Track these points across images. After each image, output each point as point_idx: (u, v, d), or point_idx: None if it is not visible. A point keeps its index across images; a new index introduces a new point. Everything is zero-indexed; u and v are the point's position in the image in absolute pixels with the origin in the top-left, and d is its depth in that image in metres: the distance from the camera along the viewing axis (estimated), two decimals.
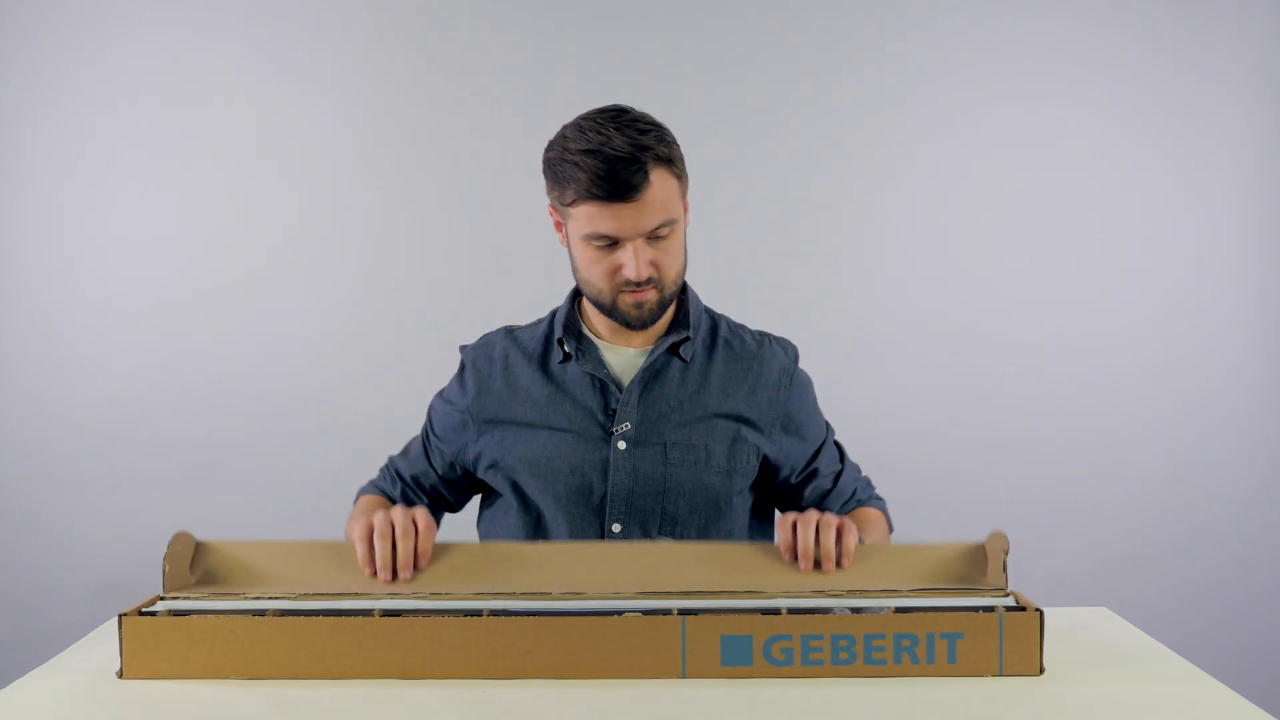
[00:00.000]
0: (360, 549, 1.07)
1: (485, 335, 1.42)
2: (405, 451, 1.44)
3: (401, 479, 1.41)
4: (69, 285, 2.38)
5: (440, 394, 1.42)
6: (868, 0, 2.39)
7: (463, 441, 1.36)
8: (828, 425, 1.42)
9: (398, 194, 2.39)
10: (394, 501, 1.41)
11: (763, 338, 1.40)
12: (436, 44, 2.38)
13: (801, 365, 1.40)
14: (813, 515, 1.10)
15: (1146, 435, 2.42)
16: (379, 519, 1.08)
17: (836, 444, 1.42)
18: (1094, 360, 2.41)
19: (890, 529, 1.40)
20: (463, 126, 2.38)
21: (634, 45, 2.38)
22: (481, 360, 1.37)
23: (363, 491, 1.45)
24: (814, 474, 1.37)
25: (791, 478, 1.36)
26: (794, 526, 1.10)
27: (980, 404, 2.41)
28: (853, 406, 2.32)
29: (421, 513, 1.09)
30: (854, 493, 1.39)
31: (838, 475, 1.38)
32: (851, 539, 1.08)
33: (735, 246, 2.38)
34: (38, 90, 2.36)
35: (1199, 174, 2.40)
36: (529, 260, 2.31)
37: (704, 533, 1.31)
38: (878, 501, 1.41)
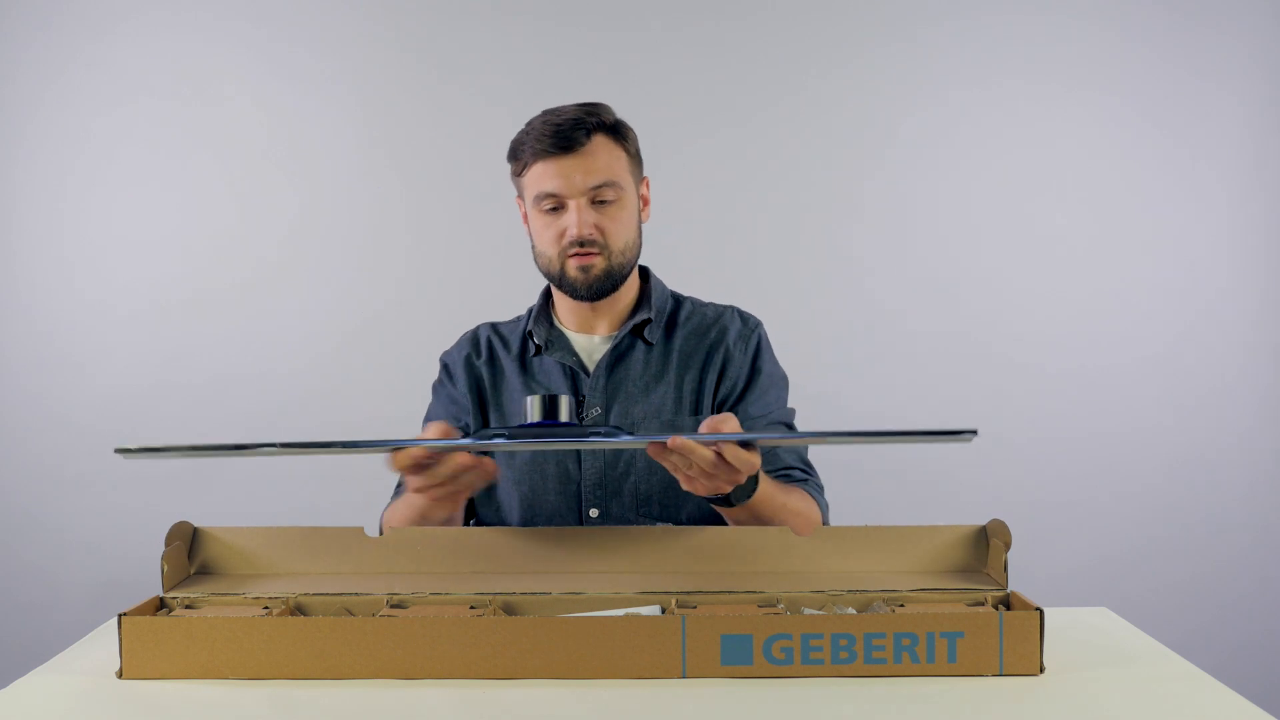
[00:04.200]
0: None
1: (467, 331, 1.47)
2: None
3: None
4: (69, 285, 2.38)
5: (431, 401, 1.44)
6: (868, 1, 2.39)
7: (468, 418, 1.39)
8: (785, 403, 1.40)
9: (398, 194, 2.39)
10: None
11: (724, 309, 1.42)
12: (436, 44, 2.38)
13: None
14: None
15: (1146, 435, 2.41)
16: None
17: (791, 428, 1.38)
18: (1094, 360, 2.41)
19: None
20: (463, 126, 2.38)
21: (635, 43, 2.38)
22: (469, 350, 1.42)
23: (390, 504, 1.37)
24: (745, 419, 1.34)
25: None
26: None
27: (980, 403, 2.40)
28: (852, 406, 2.33)
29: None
30: (785, 467, 1.33)
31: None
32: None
33: (734, 244, 2.38)
34: (38, 90, 2.36)
35: (1200, 173, 2.40)
36: (529, 260, 2.31)
37: (671, 507, 1.31)
38: (817, 494, 1.33)
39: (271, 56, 2.37)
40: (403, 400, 2.32)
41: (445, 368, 1.45)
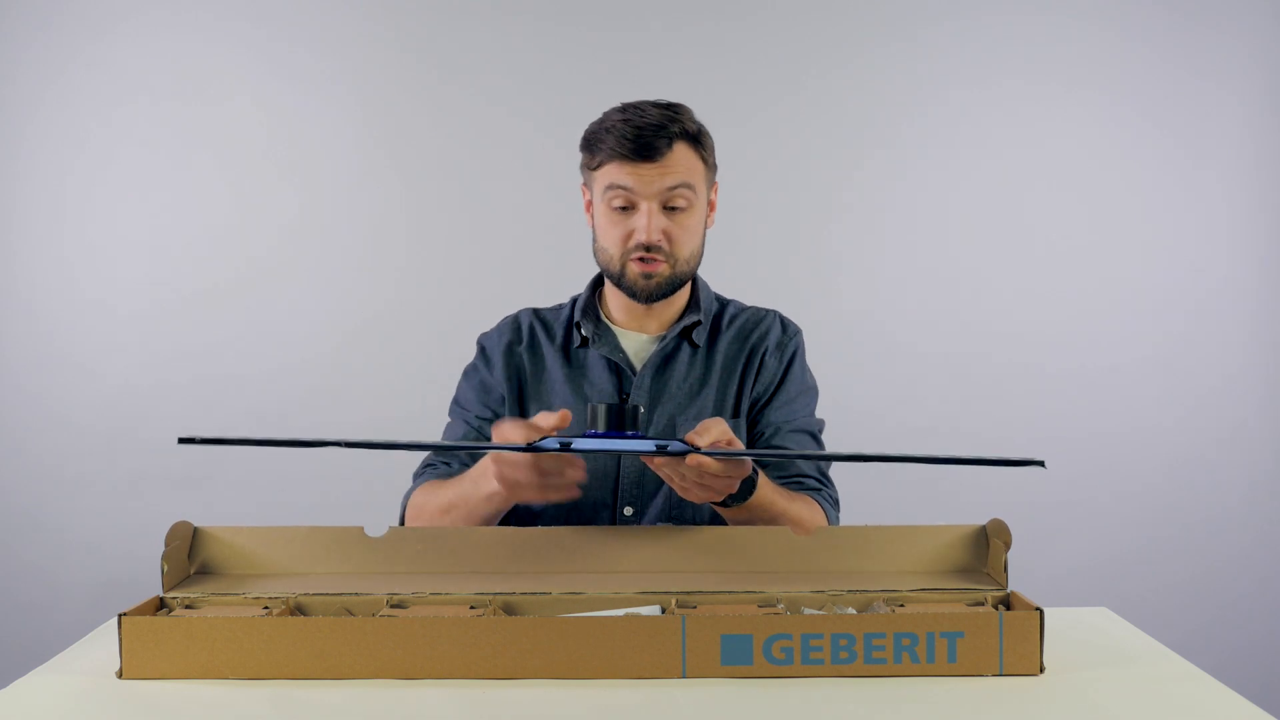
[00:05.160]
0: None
1: (509, 315, 1.44)
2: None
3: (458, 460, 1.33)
4: (70, 285, 2.38)
5: (461, 385, 1.41)
6: (868, 1, 2.39)
7: (501, 407, 1.37)
8: (813, 413, 1.40)
9: (398, 193, 2.40)
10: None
11: (765, 313, 1.42)
12: (436, 44, 2.38)
13: (807, 360, 1.41)
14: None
15: (1146, 435, 2.41)
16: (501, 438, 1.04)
17: (816, 439, 1.37)
18: (1094, 359, 2.41)
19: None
20: (463, 126, 2.38)
21: (635, 43, 2.38)
22: (510, 337, 1.40)
23: (416, 487, 1.32)
24: (764, 431, 1.34)
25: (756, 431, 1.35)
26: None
27: (980, 403, 2.41)
28: (853, 406, 2.31)
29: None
30: (799, 475, 1.32)
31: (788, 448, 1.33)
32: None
33: (736, 244, 2.37)
34: (38, 90, 2.36)
35: (1199, 173, 2.40)
36: (530, 259, 2.31)
37: (703, 508, 1.31)
38: (827, 506, 1.32)
39: (271, 56, 2.37)
40: (402, 400, 2.34)
41: (483, 350, 1.41)
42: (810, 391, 1.40)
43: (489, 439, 1.35)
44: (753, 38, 2.39)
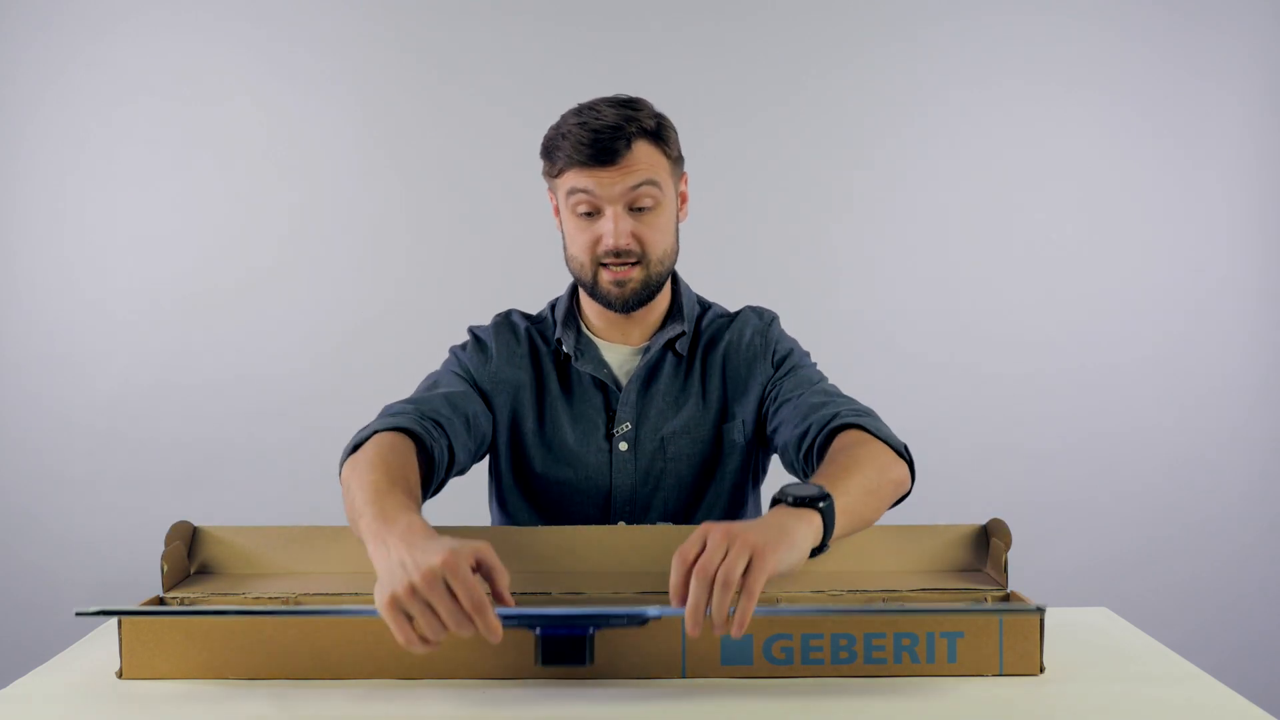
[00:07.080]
0: (395, 622, 0.83)
1: (502, 315, 1.39)
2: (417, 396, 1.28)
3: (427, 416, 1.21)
4: (69, 285, 2.38)
5: (448, 360, 1.36)
6: (868, 1, 2.39)
7: (478, 406, 1.28)
8: (814, 368, 1.34)
9: (398, 194, 2.40)
10: (420, 440, 1.17)
11: (739, 312, 1.40)
12: (436, 44, 2.38)
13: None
14: (712, 562, 0.84)
15: (1146, 435, 2.41)
16: (414, 571, 0.82)
17: (838, 392, 1.28)
18: (1094, 360, 2.41)
19: (912, 473, 1.12)
20: (463, 126, 2.38)
21: (635, 42, 2.38)
22: (507, 335, 1.36)
23: (365, 438, 1.16)
24: (789, 397, 1.26)
25: (769, 416, 1.28)
26: (688, 575, 0.85)
27: (980, 404, 2.41)
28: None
29: (482, 548, 0.87)
30: (831, 414, 1.17)
31: (801, 396, 1.24)
32: (748, 604, 0.83)
33: (736, 245, 2.38)
34: (38, 90, 2.36)
35: (1199, 174, 2.40)
36: (530, 259, 2.31)
37: (693, 499, 1.32)
38: (880, 436, 1.11)
39: (271, 56, 2.37)
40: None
41: (478, 340, 1.36)
42: (804, 354, 1.37)
43: (474, 394, 1.27)
44: (753, 38, 2.39)
